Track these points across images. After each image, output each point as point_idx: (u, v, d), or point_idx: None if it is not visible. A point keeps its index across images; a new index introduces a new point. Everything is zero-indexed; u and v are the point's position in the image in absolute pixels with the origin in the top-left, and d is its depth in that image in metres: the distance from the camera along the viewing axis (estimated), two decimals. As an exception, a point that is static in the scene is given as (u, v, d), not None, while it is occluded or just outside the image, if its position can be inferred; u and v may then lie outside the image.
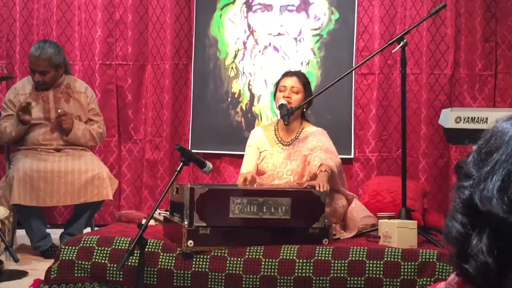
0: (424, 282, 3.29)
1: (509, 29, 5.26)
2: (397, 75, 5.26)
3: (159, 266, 3.44)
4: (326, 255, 3.39)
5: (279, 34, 5.57)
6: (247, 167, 4.09)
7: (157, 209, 3.51)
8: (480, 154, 0.93)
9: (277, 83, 4.16)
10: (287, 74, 4.16)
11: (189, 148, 5.47)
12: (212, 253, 3.42)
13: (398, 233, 3.47)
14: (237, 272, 3.38)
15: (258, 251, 3.42)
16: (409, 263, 3.32)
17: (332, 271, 3.35)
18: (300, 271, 3.35)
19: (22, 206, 4.50)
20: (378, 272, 3.33)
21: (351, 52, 5.42)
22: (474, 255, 0.88)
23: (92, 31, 5.72)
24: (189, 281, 3.41)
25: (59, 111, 4.71)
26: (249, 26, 5.63)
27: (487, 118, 4.03)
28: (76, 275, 3.50)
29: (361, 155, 5.44)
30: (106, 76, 5.72)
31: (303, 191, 3.64)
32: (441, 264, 3.28)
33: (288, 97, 4.01)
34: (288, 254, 3.39)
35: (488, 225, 0.88)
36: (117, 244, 3.54)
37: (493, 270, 0.86)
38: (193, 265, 3.41)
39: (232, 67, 5.65)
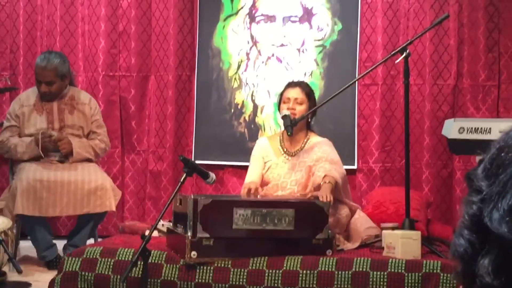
0: (428, 293, 3.28)
1: (512, 39, 5.27)
2: (400, 86, 5.25)
3: (163, 277, 3.43)
4: (330, 266, 3.38)
5: (282, 45, 5.57)
6: (252, 176, 4.08)
7: (161, 220, 3.51)
8: (492, 166, 0.86)
9: (281, 94, 4.16)
10: (290, 85, 4.16)
11: (192, 159, 5.47)
12: (216, 264, 3.41)
13: (402, 244, 3.46)
14: (241, 283, 3.37)
15: (262, 262, 3.41)
16: (413, 274, 3.31)
17: (336, 282, 3.34)
18: (303, 282, 3.35)
19: (26, 216, 4.50)
20: (382, 283, 3.32)
21: (354, 62, 5.42)
22: (480, 276, 0.82)
23: (96, 42, 5.73)
24: (192, 293, 3.40)
25: (52, 137, 4.68)
26: (252, 37, 5.64)
27: (490, 129, 4.01)
28: (79, 286, 3.50)
29: (364, 165, 5.43)
30: (109, 87, 5.73)
31: (307, 202, 3.64)
32: (445, 275, 3.27)
33: (292, 109, 4.01)
34: (292, 265, 3.39)
35: (497, 245, 0.82)
36: (121, 255, 3.53)
37: None
38: (197, 277, 3.40)
39: (235, 78, 5.65)
